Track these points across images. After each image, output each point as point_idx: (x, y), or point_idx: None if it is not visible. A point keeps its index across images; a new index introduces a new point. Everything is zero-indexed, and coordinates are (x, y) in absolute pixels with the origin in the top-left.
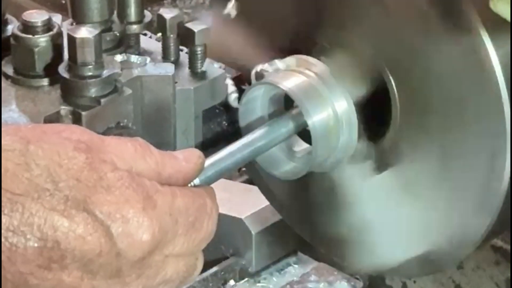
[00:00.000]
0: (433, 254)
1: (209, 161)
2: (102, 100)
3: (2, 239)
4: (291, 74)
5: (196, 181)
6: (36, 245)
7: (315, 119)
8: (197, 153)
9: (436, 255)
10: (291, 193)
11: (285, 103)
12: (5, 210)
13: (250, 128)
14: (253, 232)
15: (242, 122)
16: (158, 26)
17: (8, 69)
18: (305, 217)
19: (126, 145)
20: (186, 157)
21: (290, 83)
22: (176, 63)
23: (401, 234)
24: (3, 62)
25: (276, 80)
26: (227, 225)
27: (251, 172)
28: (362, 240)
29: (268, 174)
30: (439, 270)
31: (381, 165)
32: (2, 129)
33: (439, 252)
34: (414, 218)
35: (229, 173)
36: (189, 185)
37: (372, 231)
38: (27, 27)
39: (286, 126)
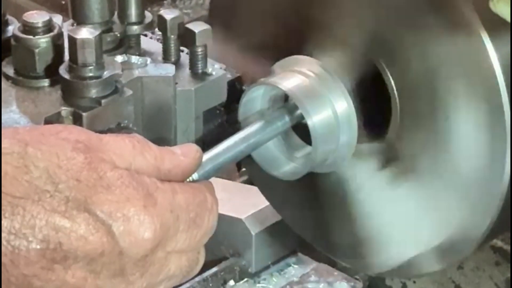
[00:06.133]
0: (438, 250)
1: (206, 155)
2: (103, 101)
3: (4, 242)
4: (291, 74)
5: (195, 175)
6: (38, 247)
7: (315, 119)
8: (195, 147)
9: (439, 252)
10: (292, 193)
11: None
12: (6, 213)
13: None
14: (253, 233)
15: (242, 123)
16: (159, 27)
17: (9, 70)
18: (307, 218)
19: (124, 142)
20: (184, 152)
21: (289, 84)
22: (177, 64)
23: (406, 231)
24: (3, 63)
25: (276, 81)
26: (227, 226)
27: (250, 172)
28: (372, 239)
29: (268, 174)
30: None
31: (385, 162)
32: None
33: (441, 250)
34: (416, 217)
35: (226, 168)
36: (188, 180)
37: (379, 228)
38: (28, 28)
39: (282, 119)
